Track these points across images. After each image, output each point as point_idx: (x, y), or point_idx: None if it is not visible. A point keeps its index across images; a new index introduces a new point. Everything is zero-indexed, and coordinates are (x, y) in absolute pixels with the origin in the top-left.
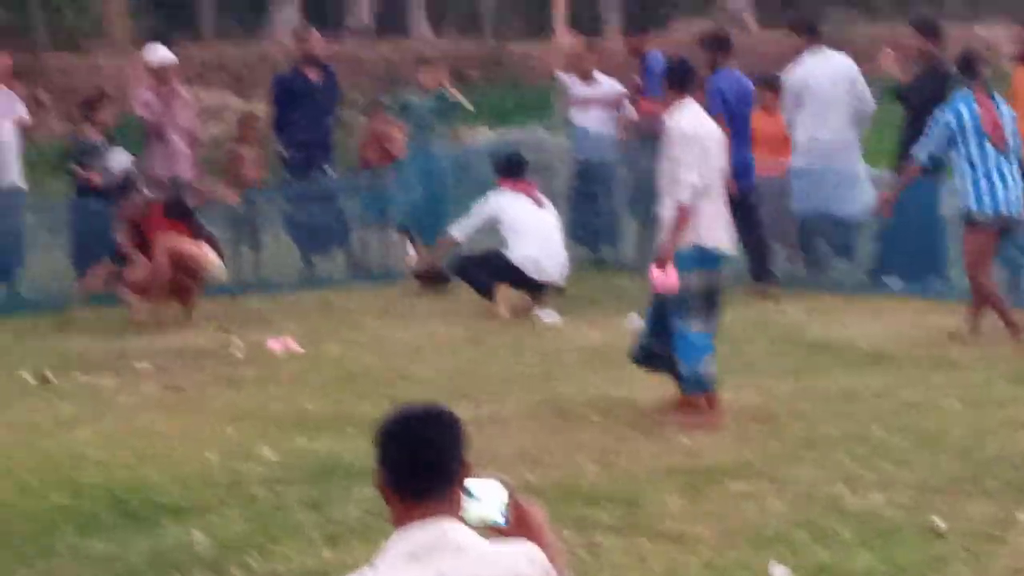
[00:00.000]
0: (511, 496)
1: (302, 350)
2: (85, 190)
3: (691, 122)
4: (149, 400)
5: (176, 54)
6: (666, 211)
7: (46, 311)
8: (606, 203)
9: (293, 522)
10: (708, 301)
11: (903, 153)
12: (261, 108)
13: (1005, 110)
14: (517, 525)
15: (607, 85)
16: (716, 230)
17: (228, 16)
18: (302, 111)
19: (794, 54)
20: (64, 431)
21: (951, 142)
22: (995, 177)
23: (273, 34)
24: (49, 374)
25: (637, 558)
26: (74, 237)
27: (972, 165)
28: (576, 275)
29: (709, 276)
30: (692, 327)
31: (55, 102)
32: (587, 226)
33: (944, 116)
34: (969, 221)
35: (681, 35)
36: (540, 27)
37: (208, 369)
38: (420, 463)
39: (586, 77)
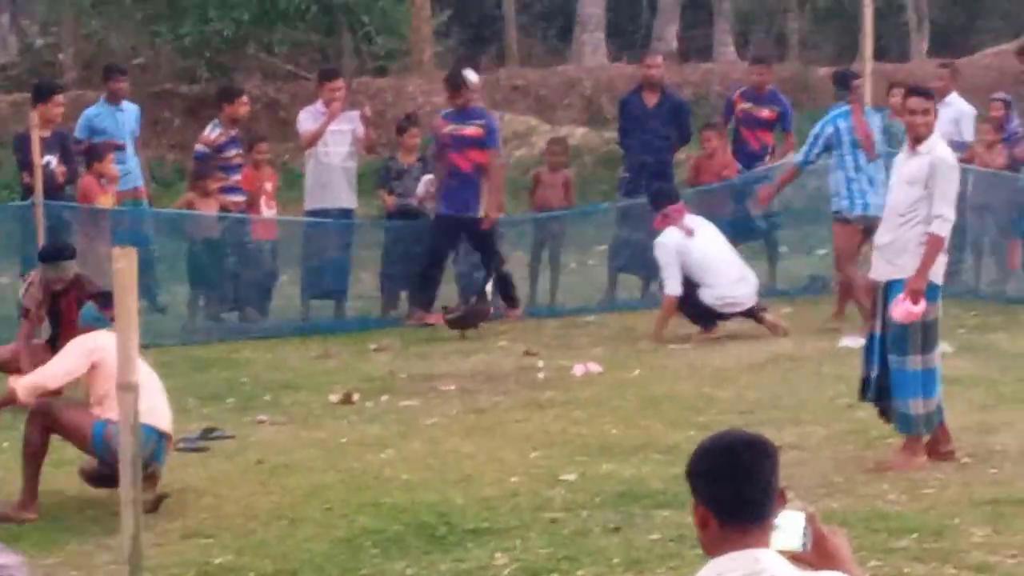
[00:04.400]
0: (812, 524)
1: (603, 373)
2: (396, 213)
3: (951, 153)
4: (454, 423)
5: (482, 77)
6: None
7: (366, 332)
8: None
9: (595, 546)
10: (928, 336)
11: None
12: (566, 132)
13: (875, 121)
14: (819, 554)
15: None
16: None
17: (534, 39)
18: (638, 134)
19: None
20: (370, 452)
21: (828, 149)
22: (865, 182)
23: (579, 58)
24: (356, 396)
25: None
26: (384, 259)
27: (845, 170)
28: None
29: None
30: (912, 364)
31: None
32: None
33: (825, 127)
34: (841, 220)
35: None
36: (846, 50)
37: (512, 392)
38: (747, 492)
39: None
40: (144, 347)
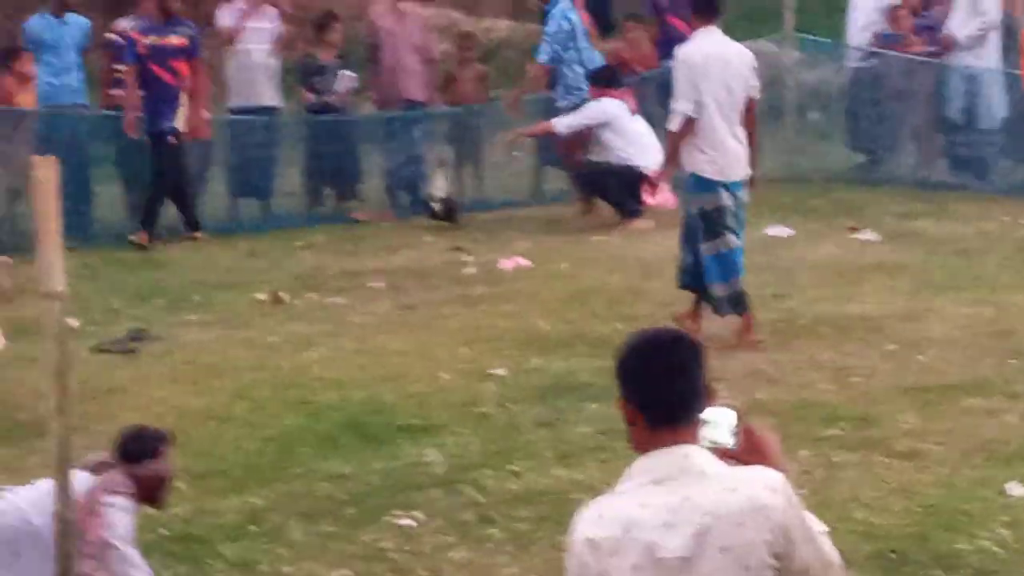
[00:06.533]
0: (741, 419)
1: (532, 267)
2: (316, 109)
3: (692, 49)
4: (383, 320)
5: None
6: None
7: (292, 229)
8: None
9: (526, 441)
10: (711, 224)
11: None
12: (489, 25)
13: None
14: (747, 449)
15: None
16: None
17: None
18: None
19: None
20: (299, 351)
21: (567, 45)
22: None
23: None
24: (284, 295)
25: (872, 475)
26: (307, 156)
27: (582, 62)
28: (810, 185)
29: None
30: (705, 250)
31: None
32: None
33: (561, 23)
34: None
35: None
36: None
37: (441, 288)
38: (675, 388)
39: None
40: (70, 249)
